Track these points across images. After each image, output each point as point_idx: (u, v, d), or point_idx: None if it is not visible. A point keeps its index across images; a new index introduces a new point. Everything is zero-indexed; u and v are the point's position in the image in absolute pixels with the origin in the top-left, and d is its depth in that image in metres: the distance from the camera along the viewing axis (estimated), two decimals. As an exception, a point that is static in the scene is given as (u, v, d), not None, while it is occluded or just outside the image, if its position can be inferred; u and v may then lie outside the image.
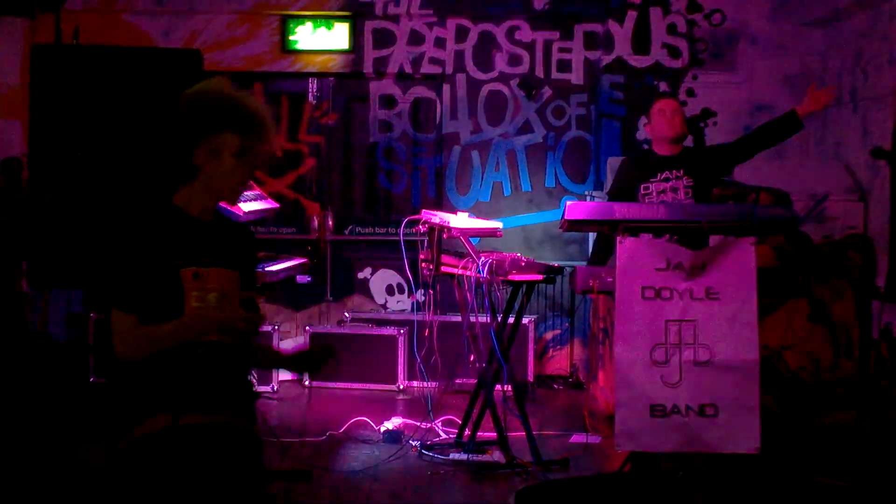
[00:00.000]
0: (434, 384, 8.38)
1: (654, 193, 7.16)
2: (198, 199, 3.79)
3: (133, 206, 3.87)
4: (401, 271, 10.32)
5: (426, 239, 7.35)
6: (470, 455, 7.12)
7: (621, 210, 6.25)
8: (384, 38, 10.57)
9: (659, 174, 7.18)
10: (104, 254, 3.84)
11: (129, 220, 3.72)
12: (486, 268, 6.98)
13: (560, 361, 10.35)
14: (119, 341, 3.66)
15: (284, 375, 9.62)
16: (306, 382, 9.28)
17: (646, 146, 10.01)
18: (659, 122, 7.23)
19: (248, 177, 3.83)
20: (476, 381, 7.46)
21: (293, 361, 4.21)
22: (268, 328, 9.47)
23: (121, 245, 3.69)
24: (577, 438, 7.77)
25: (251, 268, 4.00)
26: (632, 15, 10.41)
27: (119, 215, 3.83)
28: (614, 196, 7.53)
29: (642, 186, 7.17)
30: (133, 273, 3.65)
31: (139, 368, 3.67)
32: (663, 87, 10.36)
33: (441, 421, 7.94)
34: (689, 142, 7.61)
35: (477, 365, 7.43)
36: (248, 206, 6.74)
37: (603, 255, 7.42)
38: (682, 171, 7.15)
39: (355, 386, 9.28)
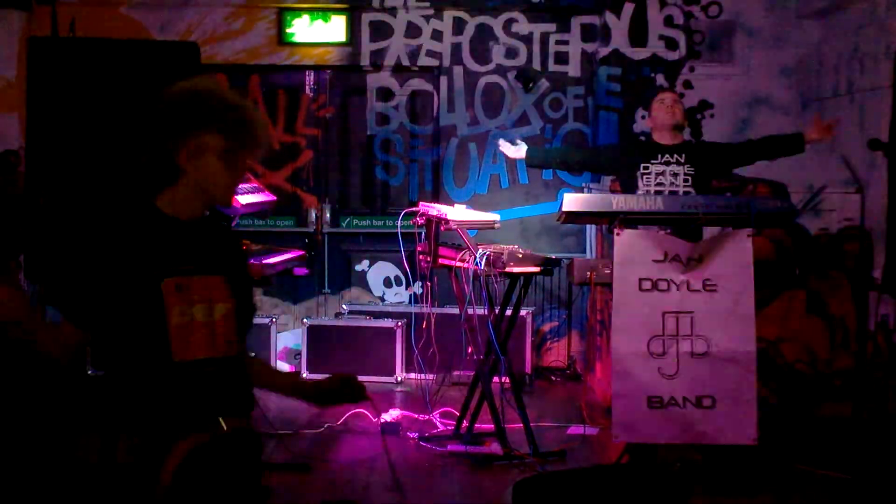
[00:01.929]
0: (432, 376, 8.38)
1: (654, 174, 7.15)
2: (183, 202, 3.51)
3: (108, 209, 3.52)
4: (398, 264, 10.34)
5: (423, 231, 7.36)
6: (468, 447, 7.14)
7: (619, 202, 6.26)
8: (381, 31, 10.57)
9: (660, 156, 7.18)
10: (66, 259, 3.46)
11: (100, 226, 3.47)
12: (484, 260, 6.98)
13: (558, 353, 10.36)
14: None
15: (283, 367, 9.62)
16: (304, 375, 9.28)
17: (643, 137, 10.04)
18: (659, 111, 7.24)
19: (236, 179, 3.51)
20: (474, 373, 7.47)
21: (313, 393, 3.89)
22: (265, 321, 9.48)
23: (88, 254, 3.42)
24: (574, 430, 7.77)
25: (241, 268, 3.69)
26: (629, 7, 10.40)
27: (92, 219, 3.51)
28: (591, 153, 7.72)
29: (642, 165, 7.16)
30: (92, 286, 3.39)
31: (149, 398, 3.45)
32: (660, 79, 10.36)
33: (439, 413, 7.95)
34: (688, 136, 7.61)
35: (475, 357, 7.44)
36: (246, 198, 6.74)
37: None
38: (683, 158, 7.15)
39: (353, 378, 9.24)
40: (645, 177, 7.17)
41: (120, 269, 3.35)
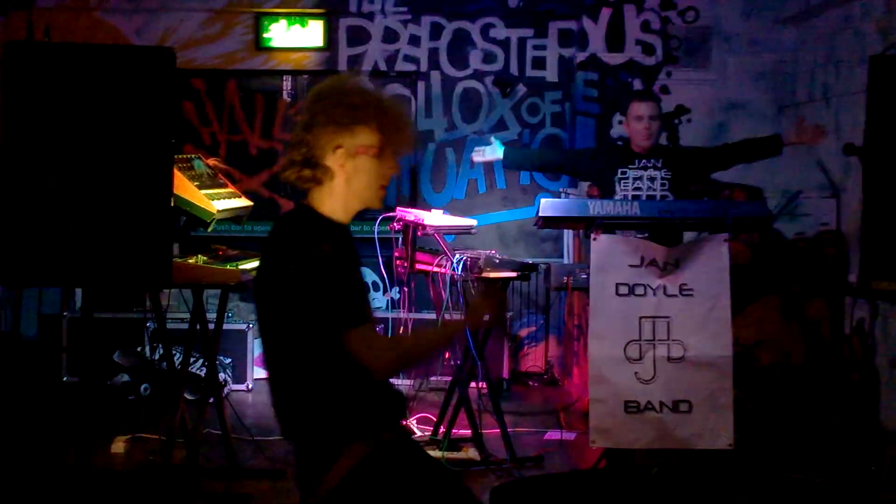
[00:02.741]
0: (409, 382, 8.37)
1: (631, 179, 7.16)
2: (342, 205, 3.53)
3: (288, 217, 3.56)
4: (375, 269, 10.28)
5: (401, 236, 7.35)
6: (445, 452, 7.12)
7: (595, 207, 6.27)
8: (359, 36, 10.56)
9: (637, 161, 7.18)
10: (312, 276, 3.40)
11: (327, 240, 3.46)
12: (461, 265, 6.98)
13: (535, 358, 10.36)
14: (374, 358, 3.46)
15: (259, 374, 9.60)
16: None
17: (621, 142, 10.04)
18: (635, 129, 7.21)
19: (387, 179, 3.53)
20: (451, 378, 7.46)
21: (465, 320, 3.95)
22: (242, 326, 9.47)
23: (330, 264, 3.43)
24: (551, 435, 7.78)
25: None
26: (606, 12, 10.42)
27: (309, 233, 3.48)
28: (569, 156, 7.72)
29: (619, 171, 7.16)
30: (355, 288, 3.49)
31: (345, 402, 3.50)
32: (637, 84, 10.38)
33: (416, 418, 7.94)
34: (665, 141, 7.60)
35: (452, 362, 7.44)
36: (222, 203, 6.72)
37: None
38: (660, 163, 7.16)
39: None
40: (622, 181, 7.18)
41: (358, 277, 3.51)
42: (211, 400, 6.99)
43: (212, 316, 7.26)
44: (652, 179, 7.14)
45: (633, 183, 7.15)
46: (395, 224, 7.31)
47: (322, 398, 3.53)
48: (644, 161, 7.16)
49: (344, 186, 3.49)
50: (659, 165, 7.14)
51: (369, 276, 10.41)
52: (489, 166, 10.41)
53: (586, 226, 6.38)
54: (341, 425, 3.51)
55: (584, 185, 9.35)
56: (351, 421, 3.51)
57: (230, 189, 7.20)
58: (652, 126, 7.15)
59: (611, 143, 10.05)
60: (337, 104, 3.45)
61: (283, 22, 10.51)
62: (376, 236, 7.05)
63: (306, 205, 3.55)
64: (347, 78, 3.60)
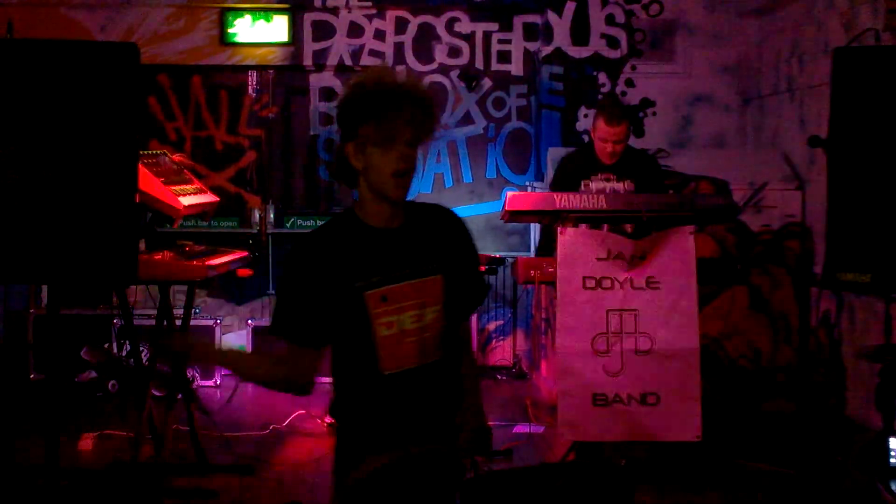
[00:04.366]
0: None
1: (595, 190, 7.10)
2: (370, 205, 3.48)
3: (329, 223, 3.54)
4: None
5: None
6: (413, 447, 7.12)
7: (562, 200, 6.28)
8: (323, 31, 10.54)
9: (600, 174, 7.10)
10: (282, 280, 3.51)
11: (308, 241, 3.47)
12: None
13: (503, 352, 10.37)
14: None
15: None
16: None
17: (586, 137, 10.07)
18: (600, 147, 7.03)
19: (399, 164, 3.41)
20: (419, 372, 7.46)
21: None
22: (209, 322, 9.44)
23: (293, 269, 3.45)
24: (520, 428, 7.79)
25: (465, 258, 3.65)
26: (570, 6, 10.43)
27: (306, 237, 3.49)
28: (557, 190, 7.51)
29: (583, 183, 7.06)
30: (304, 301, 3.43)
31: (360, 408, 3.55)
32: (602, 77, 10.39)
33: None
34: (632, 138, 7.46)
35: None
36: (188, 199, 6.70)
37: (550, 247, 7.37)
38: (624, 175, 7.04)
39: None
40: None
41: (333, 284, 3.39)
42: (179, 396, 6.98)
43: (179, 312, 7.24)
44: (615, 191, 7.05)
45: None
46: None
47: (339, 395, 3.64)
48: (608, 174, 7.05)
49: (365, 184, 3.47)
50: (623, 177, 7.01)
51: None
52: (455, 160, 10.43)
53: (552, 219, 6.39)
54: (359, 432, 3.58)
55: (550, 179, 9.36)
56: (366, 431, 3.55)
57: (196, 185, 7.18)
58: (616, 148, 7.01)
59: (575, 147, 9.70)
60: (337, 106, 3.48)
61: (247, 17, 10.47)
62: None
63: (349, 207, 3.57)
64: (364, 73, 3.52)
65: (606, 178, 7.04)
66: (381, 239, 3.47)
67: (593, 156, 7.13)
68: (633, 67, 10.44)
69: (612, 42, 10.45)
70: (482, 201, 10.58)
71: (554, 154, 9.24)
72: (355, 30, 10.54)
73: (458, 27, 10.57)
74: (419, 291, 3.45)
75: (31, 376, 9.15)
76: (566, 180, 7.16)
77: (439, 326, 3.48)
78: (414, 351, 3.44)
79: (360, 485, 3.53)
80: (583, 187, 7.02)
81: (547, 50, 10.43)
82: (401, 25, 10.57)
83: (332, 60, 10.54)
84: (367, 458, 3.50)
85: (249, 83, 10.60)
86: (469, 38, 10.58)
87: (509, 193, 6.42)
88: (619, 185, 6.99)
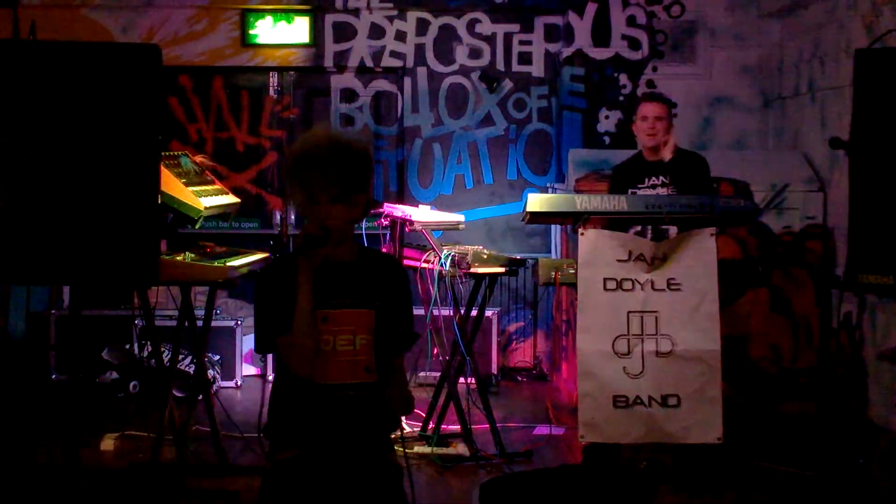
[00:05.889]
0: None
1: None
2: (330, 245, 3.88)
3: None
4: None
5: (388, 232, 7.35)
6: (434, 448, 7.13)
7: (582, 202, 6.28)
8: (345, 32, 10.55)
9: (647, 179, 7.07)
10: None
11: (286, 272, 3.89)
12: (449, 261, 6.99)
13: (523, 353, 10.37)
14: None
15: (248, 370, 9.61)
16: (270, 377, 9.25)
17: (607, 139, 10.06)
18: (640, 128, 7.09)
19: (327, 219, 3.84)
20: (440, 374, 7.47)
21: None
22: (230, 323, 9.46)
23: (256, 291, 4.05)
24: (540, 430, 7.79)
25: (397, 303, 4.03)
26: (591, 7, 10.41)
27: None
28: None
29: (630, 191, 7.01)
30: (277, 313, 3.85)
31: (292, 412, 3.95)
32: (623, 79, 10.38)
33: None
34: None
35: (440, 358, 7.44)
36: (209, 200, 6.71)
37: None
38: (668, 178, 7.01)
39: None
40: None
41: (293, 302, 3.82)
42: (200, 397, 6.99)
43: (200, 313, 7.25)
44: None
45: None
46: (382, 220, 7.32)
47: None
48: (653, 179, 7.01)
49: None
50: (667, 181, 6.96)
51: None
52: (476, 162, 10.43)
53: (573, 220, 6.38)
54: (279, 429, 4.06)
55: (572, 180, 9.33)
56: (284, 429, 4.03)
57: (217, 186, 7.20)
58: (656, 126, 7.01)
59: (623, 166, 9.47)
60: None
61: (269, 18, 10.49)
62: (363, 233, 7.04)
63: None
64: (301, 137, 3.97)
65: (652, 184, 7.00)
66: (333, 270, 3.90)
67: (642, 161, 7.12)
68: (655, 69, 10.42)
69: (634, 43, 10.43)
70: (503, 202, 10.57)
71: (575, 156, 9.23)
72: (376, 31, 10.55)
73: (479, 28, 10.57)
74: (353, 319, 3.90)
75: (53, 377, 9.18)
76: (618, 190, 7.13)
77: (370, 354, 3.90)
78: (344, 369, 3.88)
79: (272, 471, 3.99)
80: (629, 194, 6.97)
81: (568, 51, 10.42)
82: (422, 27, 10.57)
83: (353, 62, 10.55)
84: (285, 450, 3.95)
85: (270, 84, 10.62)
86: (490, 39, 10.58)
87: (530, 195, 6.41)
88: (664, 192, 6.92)
